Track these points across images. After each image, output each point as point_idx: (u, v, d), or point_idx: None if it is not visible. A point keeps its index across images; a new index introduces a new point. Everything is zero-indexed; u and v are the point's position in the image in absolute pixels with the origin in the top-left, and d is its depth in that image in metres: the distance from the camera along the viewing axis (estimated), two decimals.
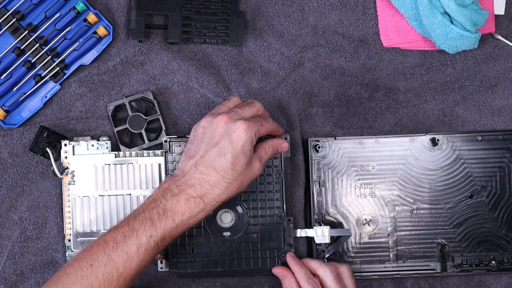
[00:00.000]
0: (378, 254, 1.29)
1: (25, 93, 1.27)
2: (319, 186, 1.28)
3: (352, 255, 1.28)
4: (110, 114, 1.28)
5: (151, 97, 1.28)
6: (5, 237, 1.28)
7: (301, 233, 1.25)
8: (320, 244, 1.27)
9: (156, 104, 1.28)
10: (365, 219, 1.28)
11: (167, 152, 1.24)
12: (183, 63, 1.30)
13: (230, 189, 1.12)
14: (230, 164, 1.11)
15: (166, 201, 1.12)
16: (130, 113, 1.27)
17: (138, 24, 1.27)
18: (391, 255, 1.29)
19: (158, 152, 1.26)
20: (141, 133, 1.27)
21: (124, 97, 1.28)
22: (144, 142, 1.28)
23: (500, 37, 1.33)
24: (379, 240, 1.29)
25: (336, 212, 1.28)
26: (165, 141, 1.25)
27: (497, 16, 1.33)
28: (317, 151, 1.28)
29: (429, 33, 1.28)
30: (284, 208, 1.25)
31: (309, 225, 1.28)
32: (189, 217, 1.12)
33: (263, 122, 1.14)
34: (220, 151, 1.11)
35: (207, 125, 1.14)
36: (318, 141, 1.28)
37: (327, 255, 1.28)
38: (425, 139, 1.28)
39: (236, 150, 1.11)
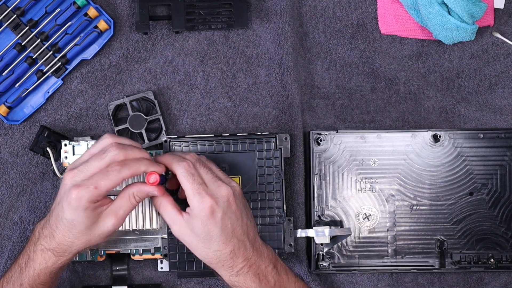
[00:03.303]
0: (377, 249, 1.29)
1: (27, 89, 1.27)
2: (320, 180, 1.28)
3: (351, 249, 1.29)
4: (110, 113, 1.28)
5: (152, 97, 1.28)
6: (5, 237, 1.28)
7: (301, 233, 1.25)
8: (320, 244, 1.28)
9: (156, 104, 1.28)
10: (365, 213, 1.29)
11: (167, 152, 1.24)
12: (187, 57, 1.30)
13: (77, 245, 1.12)
14: (67, 227, 1.10)
15: (30, 247, 1.14)
16: (130, 112, 1.27)
17: (142, 16, 1.26)
18: (389, 250, 1.29)
19: (158, 152, 1.25)
20: (141, 133, 1.27)
21: (125, 96, 1.28)
22: (144, 142, 1.27)
23: (499, 35, 1.32)
24: (378, 235, 1.29)
25: (336, 206, 1.28)
26: (165, 141, 1.25)
27: (496, 10, 1.33)
28: (319, 144, 1.28)
29: (426, 22, 1.27)
30: (284, 208, 1.24)
31: (309, 225, 1.28)
32: (45, 267, 1.13)
33: (100, 182, 1.08)
34: (59, 212, 1.10)
35: (64, 174, 1.12)
36: (320, 134, 1.28)
37: (326, 249, 1.28)
38: (427, 135, 1.28)
39: (69, 216, 1.09)
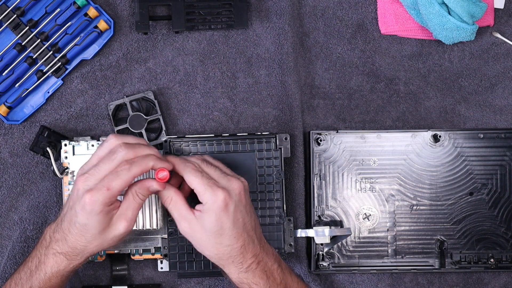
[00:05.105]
0: (377, 249, 1.29)
1: (27, 89, 1.27)
2: (320, 180, 1.28)
3: (351, 249, 1.29)
4: (110, 113, 1.28)
5: (152, 97, 1.28)
6: (5, 237, 1.29)
7: (301, 233, 1.25)
8: (320, 244, 1.28)
9: (156, 104, 1.28)
10: (365, 213, 1.29)
11: (167, 152, 1.24)
12: (187, 57, 1.30)
13: (89, 249, 1.12)
14: (80, 231, 1.10)
15: (41, 250, 1.14)
16: (130, 112, 1.27)
17: (142, 16, 1.26)
18: (389, 250, 1.29)
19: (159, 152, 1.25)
20: (141, 133, 1.27)
21: (125, 96, 1.28)
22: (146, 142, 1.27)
23: (499, 35, 1.32)
24: (378, 235, 1.29)
25: (336, 206, 1.28)
26: (165, 141, 1.25)
27: (496, 10, 1.33)
28: (319, 144, 1.28)
29: (426, 22, 1.27)
30: (284, 208, 1.24)
31: (309, 225, 1.28)
32: (57, 271, 1.13)
33: (111, 183, 1.08)
34: (72, 217, 1.10)
35: (75, 179, 1.12)
36: (320, 134, 1.28)
37: (326, 249, 1.28)
38: (427, 135, 1.28)
39: (82, 220, 1.09)
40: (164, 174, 1.11)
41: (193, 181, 1.11)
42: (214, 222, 1.11)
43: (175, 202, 1.13)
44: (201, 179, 1.11)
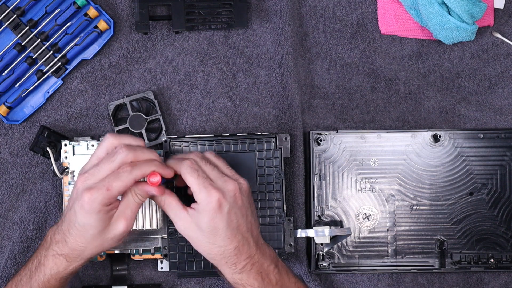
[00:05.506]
0: (377, 249, 1.29)
1: (27, 89, 1.27)
2: (320, 180, 1.28)
3: (351, 249, 1.29)
4: (110, 113, 1.28)
5: (152, 97, 1.28)
6: (5, 237, 1.29)
7: (301, 233, 1.25)
8: (320, 244, 1.28)
9: (156, 104, 1.28)
10: (365, 213, 1.29)
11: (167, 152, 1.24)
12: (187, 57, 1.30)
13: (89, 250, 1.12)
14: (79, 231, 1.10)
15: (42, 252, 1.14)
16: (130, 112, 1.27)
17: (142, 16, 1.26)
18: (389, 250, 1.29)
19: (159, 152, 1.25)
20: (141, 133, 1.27)
21: (125, 96, 1.28)
22: (144, 142, 1.27)
23: (499, 35, 1.32)
24: (378, 235, 1.29)
25: (336, 206, 1.28)
26: (165, 141, 1.25)
27: (496, 10, 1.33)
28: (319, 144, 1.28)
29: (426, 22, 1.27)
30: (284, 208, 1.24)
31: (309, 225, 1.28)
32: (57, 273, 1.13)
33: (112, 184, 1.08)
34: (71, 217, 1.10)
35: (76, 179, 1.12)
36: (320, 134, 1.28)
37: (326, 249, 1.28)
38: (427, 135, 1.28)
39: (81, 220, 1.09)
40: (157, 179, 1.11)
41: (189, 179, 1.11)
42: (207, 222, 1.11)
43: (168, 203, 1.14)
44: (197, 179, 1.11)
